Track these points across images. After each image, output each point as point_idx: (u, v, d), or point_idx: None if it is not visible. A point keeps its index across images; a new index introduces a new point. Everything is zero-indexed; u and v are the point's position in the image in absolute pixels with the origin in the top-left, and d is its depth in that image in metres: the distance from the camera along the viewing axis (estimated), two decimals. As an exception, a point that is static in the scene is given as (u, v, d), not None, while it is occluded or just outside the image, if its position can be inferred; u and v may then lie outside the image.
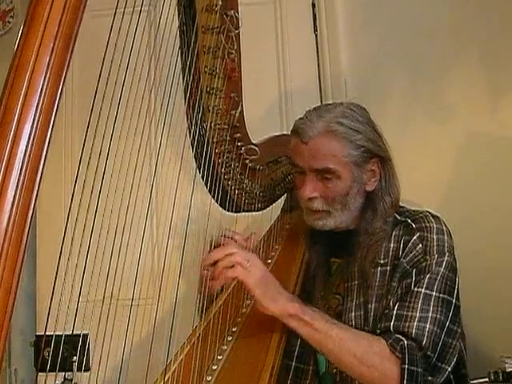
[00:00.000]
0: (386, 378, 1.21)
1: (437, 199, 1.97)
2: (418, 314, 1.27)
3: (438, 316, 1.28)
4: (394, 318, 1.28)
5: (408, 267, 1.34)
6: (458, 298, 1.34)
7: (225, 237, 1.45)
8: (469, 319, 1.40)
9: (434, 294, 1.30)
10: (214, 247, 1.41)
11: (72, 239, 0.85)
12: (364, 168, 1.41)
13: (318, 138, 1.37)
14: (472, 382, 1.42)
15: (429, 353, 1.24)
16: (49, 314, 0.83)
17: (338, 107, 1.43)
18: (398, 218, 1.45)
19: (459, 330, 1.33)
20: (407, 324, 1.26)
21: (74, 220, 0.84)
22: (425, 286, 1.30)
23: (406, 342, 1.23)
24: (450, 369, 1.27)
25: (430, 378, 1.24)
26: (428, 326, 1.26)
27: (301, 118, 1.44)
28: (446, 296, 1.31)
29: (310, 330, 1.25)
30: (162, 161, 1.46)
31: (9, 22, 2.35)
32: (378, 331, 1.29)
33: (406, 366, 1.20)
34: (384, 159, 1.44)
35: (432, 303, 1.29)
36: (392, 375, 1.21)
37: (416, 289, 1.30)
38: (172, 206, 1.25)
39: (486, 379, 1.41)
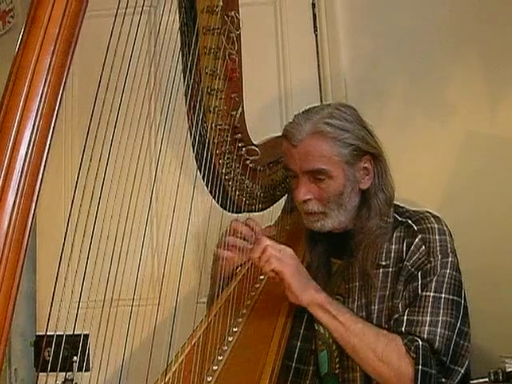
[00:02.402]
0: (401, 377, 1.22)
1: (437, 199, 1.97)
2: (428, 318, 1.27)
3: (449, 319, 1.28)
4: (404, 323, 1.28)
5: (413, 270, 1.34)
6: (465, 299, 1.35)
7: (246, 225, 1.49)
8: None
9: (444, 296, 1.30)
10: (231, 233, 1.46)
11: (72, 244, 0.85)
12: (356, 166, 1.41)
13: (306, 140, 1.38)
14: (472, 382, 1.42)
15: (441, 356, 1.25)
16: (49, 315, 0.83)
17: (325, 108, 1.43)
18: (399, 218, 1.44)
19: (469, 331, 1.33)
20: (418, 329, 1.26)
21: (74, 224, 0.84)
22: (433, 289, 1.30)
23: (420, 343, 1.23)
24: (463, 370, 1.28)
25: (443, 380, 1.25)
26: (439, 329, 1.26)
27: (290, 122, 1.44)
28: (454, 297, 1.31)
29: (334, 322, 1.27)
30: (162, 165, 1.46)
31: (9, 22, 2.34)
32: None
33: (420, 367, 1.20)
34: (376, 156, 1.44)
35: (442, 306, 1.29)
36: (407, 374, 1.21)
37: (424, 293, 1.30)
38: (172, 210, 1.25)
39: (486, 379, 1.41)
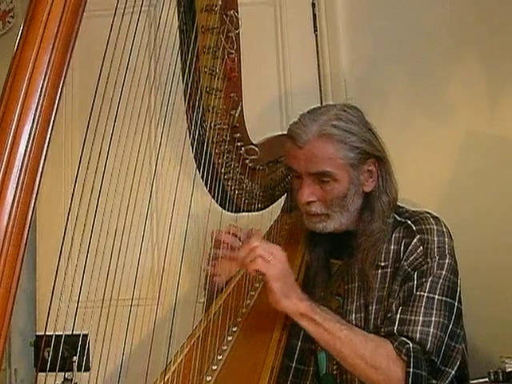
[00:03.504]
0: (391, 380, 1.21)
1: (437, 199, 1.97)
2: (421, 318, 1.27)
3: (441, 320, 1.28)
4: (397, 322, 1.28)
5: (409, 270, 1.34)
6: (459, 301, 1.34)
7: (228, 233, 1.46)
8: (469, 319, 1.40)
9: (437, 297, 1.30)
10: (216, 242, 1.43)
11: (72, 239, 0.85)
12: (361, 169, 1.41)
13: (312, 142, 1.37)
14: (472, 382, 1.42)
15: (433, 357, 1.24)
16: (49, 314, 0.83)
17: (331, 109, 1.42)
18: (398, 219, 1.44)
19: (461, 333, 1.33)
20: (411, 328, 1.26)
21: (73, 220, 0.84)
22: (427, 289, 1.30)
23: (411, 345, 1.23)
24: (453, 372, 1.28)
25: (434, 381, 1.24)
26: (432, 330, 1.26)
27: (295, 123, 1.43)
28: (448, 299, 1.31)
29: (319, 330, 1.25)
30: (162, 161, 1.47)
31: (9, 22, 2.34)
32: (382, 335, 1.29)
33: (412, 370, 1.20)
34: (380, 159, 1.44)
35: (435, 307, 1.29)
36: (397, 378, 1.21)
37: (418, 292, 1.30)
38: (172, 206, 1.25)
39: (486, 379, 1.41)
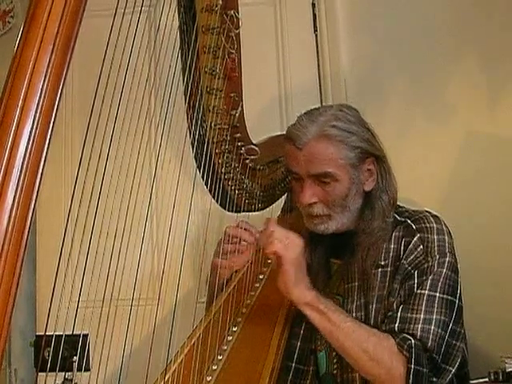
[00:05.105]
0: (392, 376, 1.22)
1: (436, 199, 1.97)
2: (422, 316, 1.27)
3: (442, 317, 1.28)
4: (398, 320, 1.28)
5: (410, 269, 1.34)
6: (460, 299, 1.35)
7: (239, 228, 1.48)
8: (469, 319, 1.39)
9: (438, 295, 1.30)
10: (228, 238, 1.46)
11: (72, 240, 0.85)
12: (361, 168, 1.41)
13: (312, 143, 1.37)
14: (472, 382, 1.42)
15: (434, 355, 1.25)
16: (49, 314, 0.83)
17: (329, 110, 1.42)
18: (398, 218, 1.45)
19: (462, 331, 1.33)
20: (412, 326, 1.26)
21: (73, 221, 0.84)
22: (428, 287, 1.30)
23: (413, 342, 1.23)
24: (454, 370, 1.28)
25: (434, 379, 1.25)
26: (433, 327, 1.26)
27: (293, 124, 1.43)
28: (449, 297, 1.31)
29: (323, 320, 1.26)
30: (162, 162, 1.47)
31: (9, 22, 2.34)
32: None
33: (413, 366, 1.20)
34: (379, 158, 1.44)
35: (436, 304, 1.29)
36: (398, 373, 1.21)
37: (419, 291, 1.30)
38: (172, 207, 1.25)
39: (486, 379, 1.40)
